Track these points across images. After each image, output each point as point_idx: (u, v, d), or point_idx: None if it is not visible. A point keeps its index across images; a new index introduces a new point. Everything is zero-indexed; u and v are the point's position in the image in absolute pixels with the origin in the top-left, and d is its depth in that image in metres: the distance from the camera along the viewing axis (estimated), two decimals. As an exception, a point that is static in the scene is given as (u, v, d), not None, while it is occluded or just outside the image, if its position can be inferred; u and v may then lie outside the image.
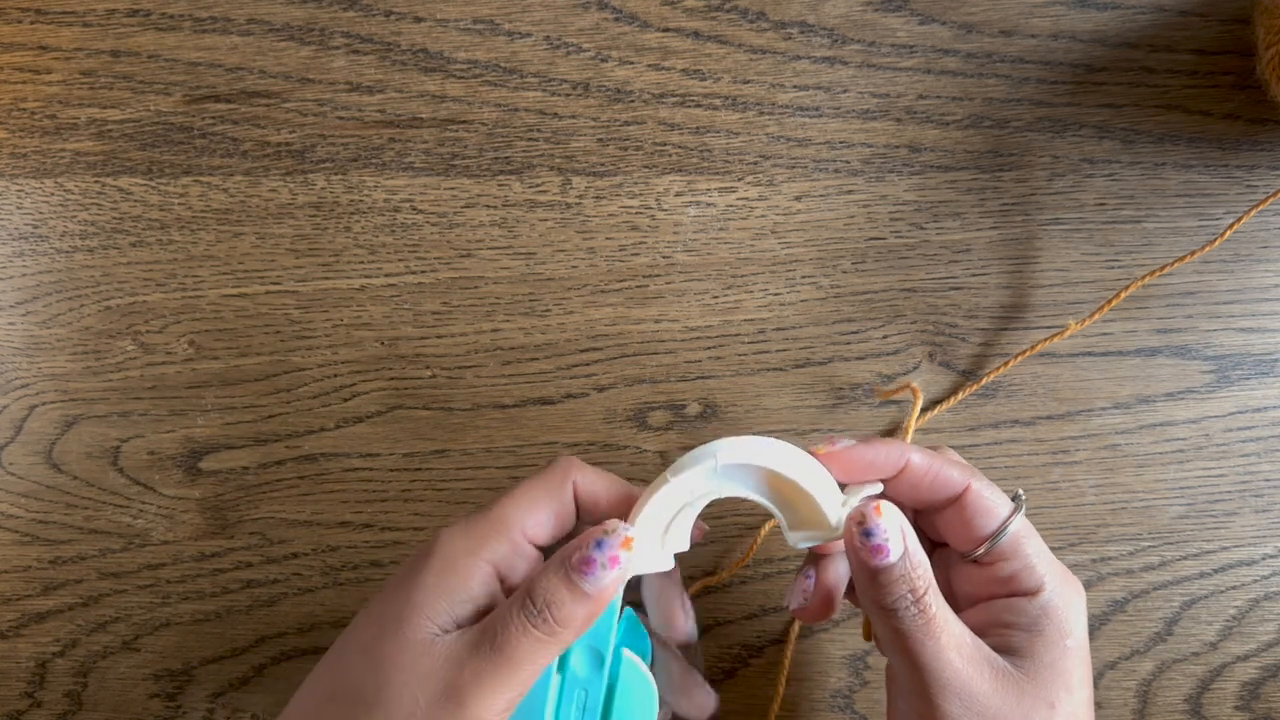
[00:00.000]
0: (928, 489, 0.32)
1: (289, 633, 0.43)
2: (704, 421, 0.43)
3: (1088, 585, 0.42)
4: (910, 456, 0.32)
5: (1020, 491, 0.33)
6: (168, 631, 0.43)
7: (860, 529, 0.30)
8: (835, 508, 0.31)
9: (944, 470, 0.32)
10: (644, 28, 0.44)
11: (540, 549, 0.32)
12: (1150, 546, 0.43)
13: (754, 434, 0.32)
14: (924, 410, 0.43)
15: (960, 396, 0.42)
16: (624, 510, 0.31)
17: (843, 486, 0.32)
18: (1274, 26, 0.40)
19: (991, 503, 0.32)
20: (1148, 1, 0.44)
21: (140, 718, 0.43)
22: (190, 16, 0.44)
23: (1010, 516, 0.32)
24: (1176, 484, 0.43)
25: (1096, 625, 0.42)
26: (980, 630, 0.31)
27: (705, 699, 0.34)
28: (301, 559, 0.43)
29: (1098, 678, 0.42)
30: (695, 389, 0.43)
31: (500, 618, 0.28)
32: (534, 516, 0.31)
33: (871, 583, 0.30)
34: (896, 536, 0.29)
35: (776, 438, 0.32)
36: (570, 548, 0.29)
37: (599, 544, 0.29)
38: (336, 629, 0.43)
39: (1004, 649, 0.30)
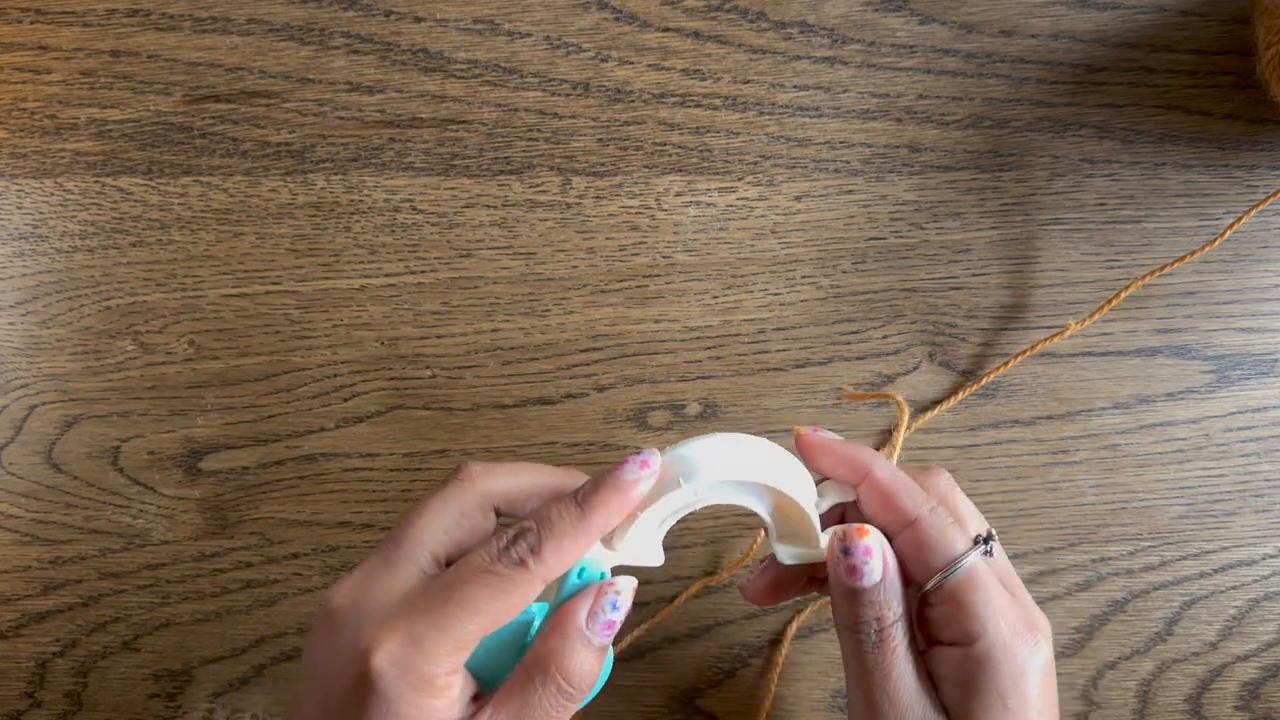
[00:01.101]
0: (881, 508, 0.31)
1: (289, 633, 0.43)
2: (704, 421, 0.43)
3: (1088, 585, 0.42)
4: (874, 468, 0.31)
5: (988, 531, 0.31)
6: (168, 631, 0.43)
7: (841, 545, 0.30)
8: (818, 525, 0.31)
9: (902, 494, 0.30)
10: (644, 28, 0.44)
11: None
12: (1150, 546, 0.43)
13: (749, 433, 0.32)
14: (924, 410, 0.43)
15: (960, 396, 0.42)
16: (548, 496, 0.31)
17: (818, 483, 0.32)
18: (1274, 26, 0.40)
19: (943, 539, 0.30)
20: (1148, 1, 0.44)
21: (140, 717, 0.43)
22: (190, 16, 0.44)
23: (961, 556, 0.29)
24: (1176, 484, 0.43)
25: (1097, 625, 0.42)
26: (931, 679, 0.30)
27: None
28: (301, 559, 0.43)
29: (1098, 677, 0.42)
30: (695, 389, 0.43)
31: (522, 688, 0.28)
32: (432, 535, 0.30)
33: (843, 601, 0.30)
34: (877, 561, 0.29)
35: (768, 437, 0.32)
36: (583, 611, 0.29)
37: (614, 605, 0.29)
38: (336, 629, 0.43)
39: (947, 704, 0.29)
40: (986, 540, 0.30)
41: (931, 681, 0.30)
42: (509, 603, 0.28)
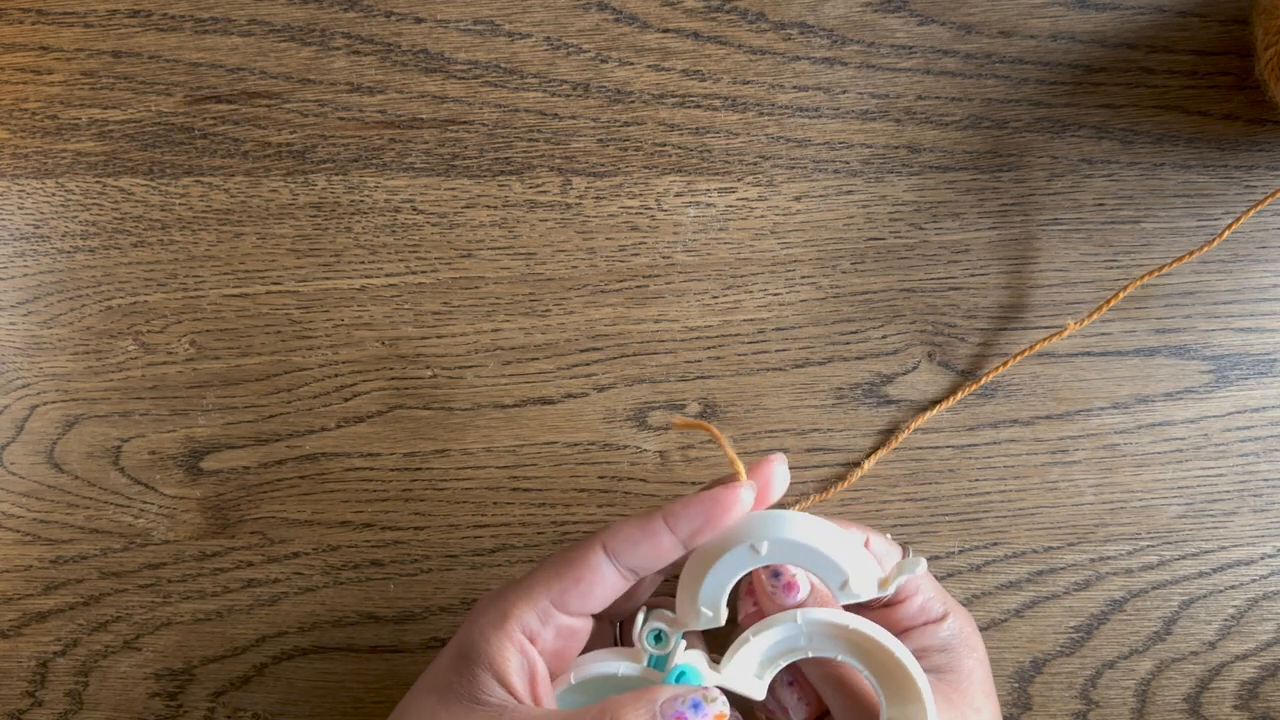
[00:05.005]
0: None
1: (290, 632, 0.43)
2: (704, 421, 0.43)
3: (1086, 585, 0.42)
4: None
5: (908, 547, 0.35)
6: (169, 631, 0.43)
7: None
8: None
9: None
10: (644, 28, 0.44)
11: (586, 616, 0.31)
12: (1149, 546, 0.43)
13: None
14: (923, 410, 0.43)
15: (959, 396, 0.43)
16: (671, 561, 0.31)
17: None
18: (1273, 27, 0.40)
19: (888, 550, 0.34)
20: (1147, 2, 0.44)
21: (141, 717, 0.43)
22: (191, 17, 0.44)
23: (907, 557, 0.33)
24: (1175, 484, 0.43)
25: (1096, 625, 0.42)
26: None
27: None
28: (302, 558, 0.43)
29: (1097, 677, 0.42)
30: (695, 389, 0.43)
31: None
32: (558, 584, 0.30)
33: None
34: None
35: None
36: (668, 695, 0.29)
37: (695, 705, 0.28)
38: (337, 628, 0.43)
39: (929, 670, 0.33)
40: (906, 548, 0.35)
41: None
42: (571, 561, 0.30)
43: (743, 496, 0.30)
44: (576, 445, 0.43)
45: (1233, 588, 0.42)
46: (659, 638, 0.31)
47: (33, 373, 0.44)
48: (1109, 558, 0.43)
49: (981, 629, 0.42)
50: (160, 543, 0.43)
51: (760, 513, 0.30)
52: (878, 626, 0.30)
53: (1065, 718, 0.42)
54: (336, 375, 0.44)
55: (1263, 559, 0.42)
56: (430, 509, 0.43)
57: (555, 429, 0.43)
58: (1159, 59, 0.44)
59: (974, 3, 0.44)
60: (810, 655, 0.31)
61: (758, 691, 0.31)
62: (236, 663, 0.43)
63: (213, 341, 0.44)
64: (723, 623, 0.31)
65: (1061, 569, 0.42)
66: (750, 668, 0.31)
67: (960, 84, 0.44)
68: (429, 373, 0.44)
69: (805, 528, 0.30)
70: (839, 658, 0.31)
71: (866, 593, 0.30)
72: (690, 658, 0.31)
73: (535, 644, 0.30)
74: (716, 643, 0.33)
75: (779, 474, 0.31)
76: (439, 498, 0.43)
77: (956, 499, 0.43)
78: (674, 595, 0.32)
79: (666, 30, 0.44)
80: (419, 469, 0.43)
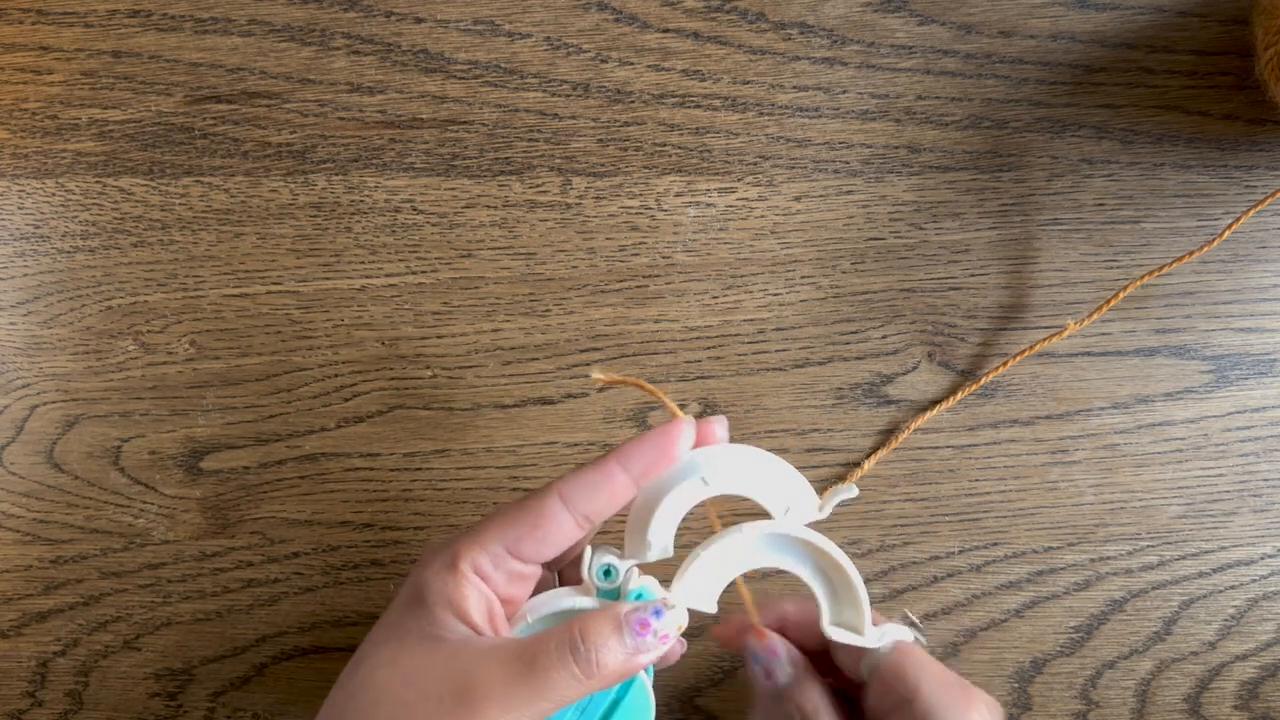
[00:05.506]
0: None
1: (290, 632, 0.43)
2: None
3: (1086, 585, 0.42)
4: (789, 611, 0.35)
5: (914, 618, 0.34)
6: (169, 631, 0.43)
7: (751, 653, 0.34)
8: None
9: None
10: (644, 28, 0.44)
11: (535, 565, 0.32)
12: (1149, 546, 0.43)
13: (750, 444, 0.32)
14: (923, 410, 0.43)
15: (959, 396, 0.43)
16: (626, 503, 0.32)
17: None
18: (1272, 27, 0.40)
19: (899, 631, 0.33)
20: (1147, 2, 0.44)
21: (141, 717, 0.43)
22: (191, 17, 0.44)
23: (888, 630, 0.32)
24: (1175, 484, 0.43)
25: (1096, 625, 0.42)
26: None
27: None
28: (302, 558, 0.43)
29: (1097, 677, 0.42)
30: (695, 389, 0.43)
31: (542, 644, 0.29)
32: (513, 531, 0.30)
33: (765, 697, 0.33)
34: (784, 662, 0.33)
35: (767, 437, 0.32)
36: (630, 606, 0.30)
37: (657, 612, 0.29)
38: (337, 628, 0.43)
39: None
40: (913, 625, 0.33)
41: None
42: (526, 509, 0.30)
43: (686, 429, 0.31)
44: (576, 445, 0.43)
45: (1233, 588, 0.42)
46: (608, 573, 0.32)
47: (33, 373, 0.44)
48: (1109, 558, 0.43)
49: (981, 629, 0.42)
50: (160, 543, 0.43)
51: (703, 449, 0.32)
52: (817, 533, 0.31)
53: (1065, 718, 0.42)
54: (336, 375, 0.44)
55: (1263, 559, 0.42)
56: (430, 509, 0.43)
57: (555, 429, 0.43)
58: (1159, 59, 0.44)
59: (974, 3, 0.44)
60: (756, 566, 0.32)
61: (709, 606, 0.32)
62: (236, 663, 0.43)
63: (213, 341, 0.44)
64: (671, 554, 0.32)
65: (1061, 569, 0.42)
66: (701, 584, 0.32)
67: (960, 84, 0.44)
68: (429, 373, 0.44)
69: (747, 458, 0.31)
70: (782, 567, 0.32)
71: (807, 516, 0.31)
72: (644, 582, 0.32)
73: (489, 586, 0.31)
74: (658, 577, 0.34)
75: (714, 422, 0.32)
76: (439, 498, 0.43)
77: (956, 499, 0.43)
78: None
79: (666, 30, 0.44)
80: (419, 469, 0.43)
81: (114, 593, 0.43)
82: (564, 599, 0.32)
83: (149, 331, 0.44)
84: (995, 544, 0.43)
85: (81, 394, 0.44)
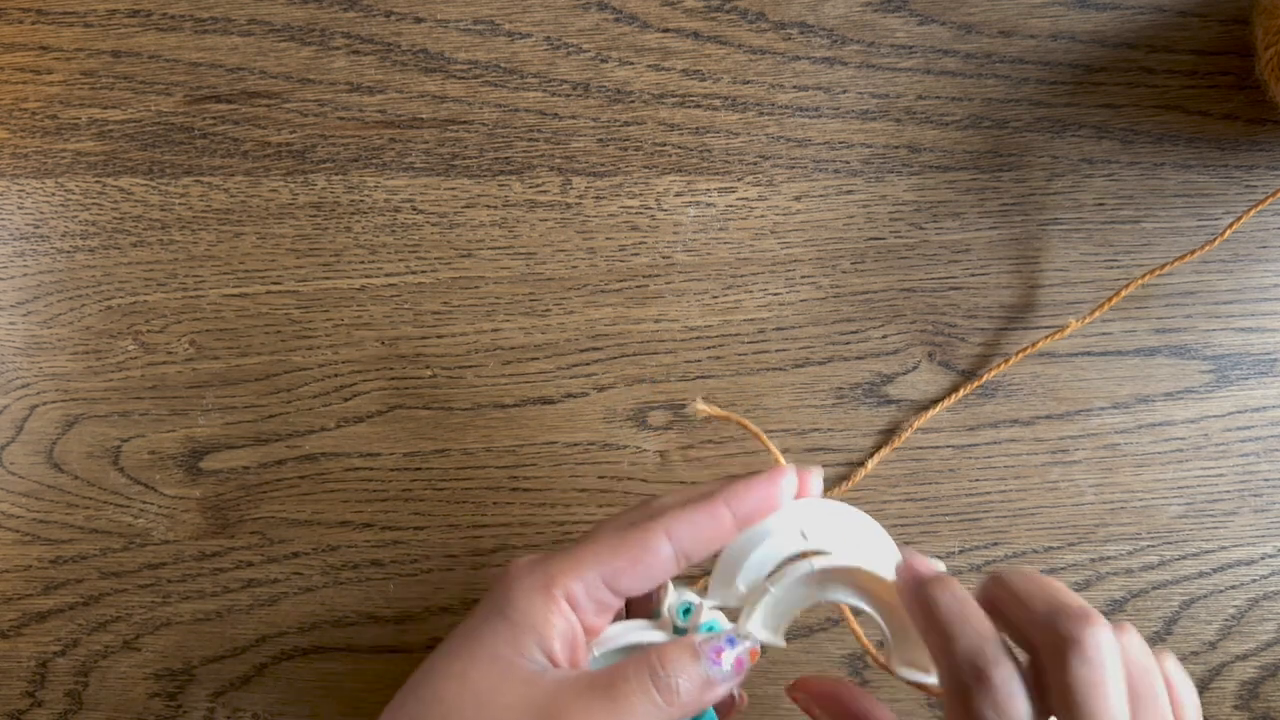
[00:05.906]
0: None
1: (290, 632, 0.43)
2: (704, 421, 0.43)
3: (1086, 585, 0.42)
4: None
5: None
6: (168, 631, 0.43)
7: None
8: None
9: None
10: (644, 28, 0.44)
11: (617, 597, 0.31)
12: (1149, 546, 0.43)
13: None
14: (923, 410, 0.43)
15: (959, 396, 0.43)
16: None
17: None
18: (1273, 27, 0.40)
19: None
20: (1147, 2, 0.44)
21: (141, 717, 0.43)
22: (191, 17, 0.44)
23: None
24: (1175, 484, 0.43)
25: (1096, 625, 0.42)
26: None
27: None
28: (302, 558, 0.43)
29: (1097, 677, 0.42)
30: (695, 389, 0.43)
31: (620, 672, 0.29)
32: (613, 563, 0.30)
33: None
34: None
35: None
36: (703, 636, 0.30)
37: (731, 641, 0.30)
38: (337, 628, 0.43)
39: None
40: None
41: None
42: (630, 542, 0.30)
43: (792, 478, 0.31)
44: (576, 445, 0.43)
45: (1233, 588, 0.42)
46: (687, 610, 0.32)
47: (33, 373, 0.44)
48: (1109, 558, 0.43)
49: (982, 629, 0.42)
50: (160, 543, 0.43)
51: (802, 501, 0.32)
52: (884, 568, 0.31)
53: (1065, 718, 0.42)
54: (336, 375, 0.44)
55: (1263, 559, 0.42)
56: (430, 509, 0.43)
57: (555, 429, 0.43)
58: (1159, 59, 0.44)
59: (974, 3, 0.44)
60: (824, 600, 0.32)
61: (778, 640, 0.32)
62: (236, 663, 0.43)
63: (212, 341, 0.44)
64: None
65: (1062, 569, 0.42)
66: (770, 619, 0.31)
67: (960, 84, 0.44)
68: (429, 373, 0.44)
69: (844, 516, 0.32)
70: (850, 603, 0.32)
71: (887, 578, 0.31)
72: (714, 615, 0.32)
73: (576, 614, 0.30)
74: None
75: (813, 473, 0.32)
76: (439, 498, 0.43)
77: (957, 499, 0.43)
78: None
79: (666, 30, 0.44)
80: (419, 469, 0.43)
81: (114, 593, 0.43)
82: (633, 633, 0.31)
83: (149, 331, 0.44)
84: (995, 544, 0.43)
85: (81, 394, 0.44)
